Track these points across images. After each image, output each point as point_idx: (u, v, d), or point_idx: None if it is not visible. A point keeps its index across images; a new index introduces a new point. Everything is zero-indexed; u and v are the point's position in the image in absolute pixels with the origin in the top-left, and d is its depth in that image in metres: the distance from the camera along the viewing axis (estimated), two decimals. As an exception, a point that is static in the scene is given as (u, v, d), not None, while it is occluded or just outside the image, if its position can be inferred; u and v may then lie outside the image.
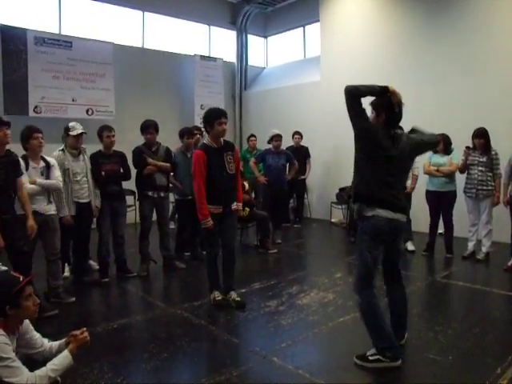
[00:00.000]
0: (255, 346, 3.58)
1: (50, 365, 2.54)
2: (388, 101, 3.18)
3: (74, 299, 4.62)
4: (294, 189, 8.88)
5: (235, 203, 4.50)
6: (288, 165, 7.54)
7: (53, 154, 4.95)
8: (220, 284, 4.57)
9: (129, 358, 3.41)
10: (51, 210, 4.53)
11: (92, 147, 5.57)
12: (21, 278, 2.54)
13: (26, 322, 2.67)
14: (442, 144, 6.19)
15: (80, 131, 5.05)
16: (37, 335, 2.73)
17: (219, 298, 4.46)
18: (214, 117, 4.28)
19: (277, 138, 7.32)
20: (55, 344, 2.78)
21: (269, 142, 7.48)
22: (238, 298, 4.50)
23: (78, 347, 2.68)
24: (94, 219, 5.34)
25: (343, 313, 4.24)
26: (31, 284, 2.66)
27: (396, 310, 3.47)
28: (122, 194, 5.59)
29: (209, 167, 4.28)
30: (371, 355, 3.16)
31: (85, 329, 2.74)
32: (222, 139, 4.43)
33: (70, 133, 5.03)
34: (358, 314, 3.98)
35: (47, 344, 2.73)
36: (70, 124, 5.15)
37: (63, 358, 2.60)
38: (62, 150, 5.07)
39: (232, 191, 4.46)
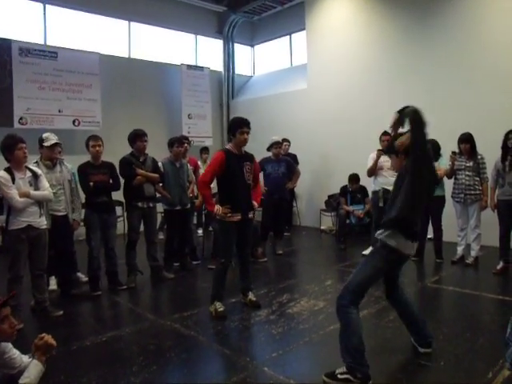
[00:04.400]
0: (246, 356, 3.54)
1: (21, 379, 2.47)
2: None
3: (61, 312, 4.54)
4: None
5: (251, 212, 4.60)
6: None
7: None
8: (223, 296, 4.54)
9: (118, 371, 3.34)
10: (44, 223, 4.43)
11: (79, 158, 5.53)
12: None
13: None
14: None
15: (54, 141, 4.88)
16: (16, 353, 2.63)
17: (221, 309, 4.39)
18: (236, 126, 4.45)
19: (276, 145, 7.08)
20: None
21: (268, 150, 7.19)
22: (254, 299, 4.68)
23: (45, 353, 2.59)
24: (76, 232, 5.25)
25: (334, 321, 4.16)
26: (7, 305, 2.52)
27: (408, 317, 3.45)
28: (111, 205, 5.49)
29: (228, 172, 4.40)
30: (340, 373, 2.99)
31: (43, 334, 2.63)
32: (243, 149, 4.58)
33: (44, 144, 4.87)
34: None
35: (27, 360, 2.65)
36: (44, 135, 4.98)
37: (33, 367, 2.52)
38: (36, 162, 4.89)
39: (249, 199, 4.57)
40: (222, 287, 4.51)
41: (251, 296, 4.69)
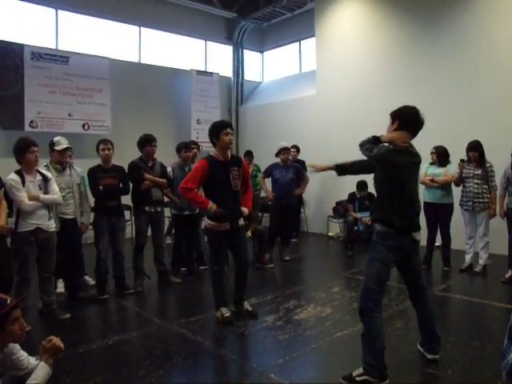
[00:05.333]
0: (252, 362, 3.53)
1: (29, 381, 2.47)
2: None
3: (68, 315, 4.55)
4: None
5: (242, 219, 4.47)
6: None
7: None
8: (227, 301, 4.50)
9: (124, 375, 3.35)
10: (52, 226, 4.46)
11: (88, 162, 5.56)
12: (8, 301, 2.42)
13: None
14: (435, 156, 6.25)
15: (65, 146, 4.91)
16: (24, 355, 2.63)
17: (227, 314, 4.35)
18: (219, 128, 4.30)
19: (284, 151, 7.09)
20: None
21: (277, 156, 7.19)
22: (251, 308, 4.55)
23: (53, 356, 2.60)
24: (85, 235, 5.27)
25: (341, 328, 4.19)
26: (18, 307, 2.56)
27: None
28: (120, 209, 5.50)
29: (212, 181, 4.27)
30: (358, 375, 3.01)
31: (52, 337, 2.64)
32: (229, 153, 4.43)
33: (55, 148, 4.89)
34: (355, 329, 3.97)
35: (34, 362, 2.65)
36: (55, 139, 4.99)
37: (40, 369, 2.51)
38: (46, 165, 4.91)
39: (237, 207, 4.41)
40: (222, 293, 4.46)
41: (247, 306, 4.57)
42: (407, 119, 3.17)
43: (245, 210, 4.51)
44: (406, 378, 3.20)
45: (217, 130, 4.30)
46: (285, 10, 10.82)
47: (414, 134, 3.19)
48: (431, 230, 6.44)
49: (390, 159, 3.11)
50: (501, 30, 7.30)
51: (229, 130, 4.30)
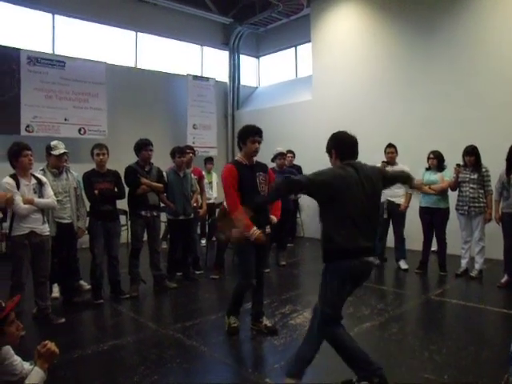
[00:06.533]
0: (248, 367, 3.52)
1: None
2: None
3: (63, 320, 4.53)
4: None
5: (268, 226, 4.23)
6: None
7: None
8: (239, 311, 4.31)
9: (119, 380, 3.33)
10: (46, 230, 4.45)
11: (84, 166, 5.55)
12: (3, 304, 2.42)
13: (6, 347, 2.54)
14: (435, 161, 6.27)
15: (62, 151, 4.90)
16: (17, 360, 2.61)
17: (235, 324, 4.22)
18: (247, 134, 4.11)
19: (281, 157, 7.05)
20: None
21: (273, 161, 7.11)
22: (270, 324, 4.28)
23: (48, 361, 2.57)
24: (80, 240, 5.26)
25: (337, 332, 4.17)
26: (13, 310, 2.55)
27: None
28: (115, 213, 5.50)
29: (240, 184, 3.99)
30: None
31: (47, 342, 2.61)
32: (254, 159, 4.23)
33: (53, 152, 4.87)
34: (351, 334, 3.96)
35: (28, 368, 2.62)
36: (53, 143, 4.97)
37: (34, 375, 2.49)
38: (43, 169, 4.91)
39: (265, 213, 4.16)
40: (239, 304, 4.27)
41: (266, 321, 4.27)
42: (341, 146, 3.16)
43: (273, 218, 4.38)
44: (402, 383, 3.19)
45: (245, 136, 4.11)
46: (281, 16, 10.85)
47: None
48: (427, 234, 6.45)
49: None
50: (495, 34, 7.35)
51: (257, 138, 4.09)
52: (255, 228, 3.80)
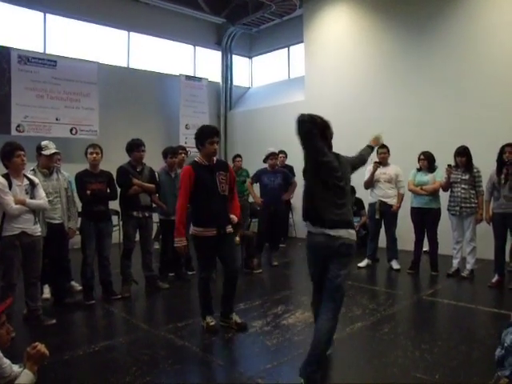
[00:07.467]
0: (240, 368, 3.52)
1: None
2: None
3: (54, 321, 4.49)
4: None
5: (230, 226, 4.27)
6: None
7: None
8: (212, 309, 4.36)
9: (110, 381, 3.31)
10: (38, 230, 4.41)
11: (75, 166, 5.52)
12: None
13: None
14: (426, 162, 6.29)
15: (53, 151, 4.87)
16: (6, 363, 2.58)
17: (213, 323, 4.26)
18: (205, 135, 4.15)
19: (272, 157, 7.07)
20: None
21: (264, 161, 7.17)
22: (240, 320, 4.32)
23: (37, 362, 2.55)
24: (71, 240, 5.22)
25: (329, 332, 4.18)
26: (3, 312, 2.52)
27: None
28: (107, 214, 5.48)
29: (198, 186, 4.09)
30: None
31: (36, 343, 2.59)
32: (214, 158, 4.27)
33: (43, 152, 4.83)
34: (343, 334, 3.98)
35: (18, 370, 2.60)
36: (43, 143, 4.92)
37: (24, 377, 2.47)
38: (33, 169, 4.86)
39: (225, 212, 4.25)
40: (208, 301, 4.32)
41: (236, 318, 4.32)
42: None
43: (234, 217, 4.37)
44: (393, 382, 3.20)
45: (203, 137, 4.16)
46: (274, 16, 10.86)
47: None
48: (418, 234, 6.48)
49: None
50: (487, 35, 7.41)
51: (215, 139, 4.14)
52: (183, 238, 4.13)
